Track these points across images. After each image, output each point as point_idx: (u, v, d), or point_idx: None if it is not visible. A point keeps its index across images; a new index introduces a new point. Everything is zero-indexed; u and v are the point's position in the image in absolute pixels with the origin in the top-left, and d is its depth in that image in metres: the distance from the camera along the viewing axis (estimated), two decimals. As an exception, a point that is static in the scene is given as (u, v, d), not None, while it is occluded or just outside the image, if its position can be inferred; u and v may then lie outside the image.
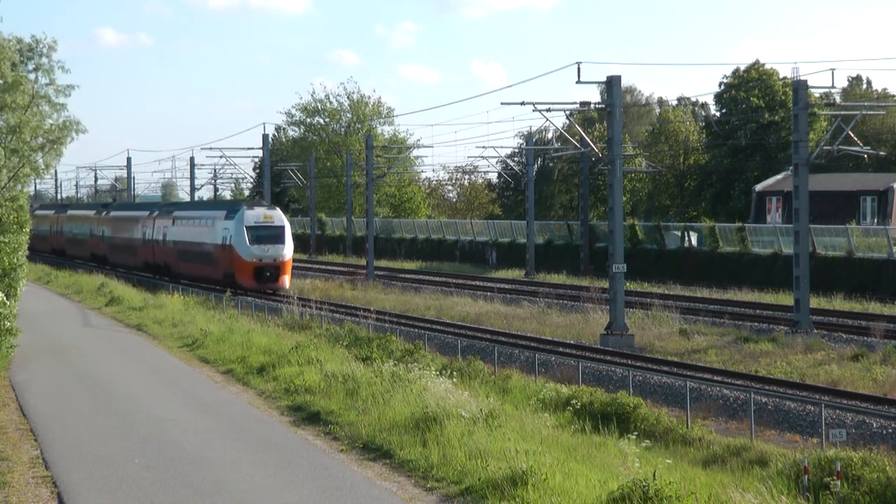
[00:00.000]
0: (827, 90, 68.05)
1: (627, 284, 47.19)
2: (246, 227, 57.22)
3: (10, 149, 31.62)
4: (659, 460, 18.94)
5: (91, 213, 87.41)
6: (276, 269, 57.39)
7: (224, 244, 58.58)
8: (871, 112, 63.53)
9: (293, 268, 61.99)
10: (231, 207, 61.13)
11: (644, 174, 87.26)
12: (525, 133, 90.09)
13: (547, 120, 46.20)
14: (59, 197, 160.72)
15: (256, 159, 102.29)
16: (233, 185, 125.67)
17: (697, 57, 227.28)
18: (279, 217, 58.96)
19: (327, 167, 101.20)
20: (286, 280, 57.89)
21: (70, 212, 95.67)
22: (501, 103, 77.86)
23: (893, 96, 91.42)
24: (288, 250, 57.87)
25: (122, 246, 76.98)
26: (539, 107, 41.55)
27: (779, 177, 73.97)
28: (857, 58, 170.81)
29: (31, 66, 32.49)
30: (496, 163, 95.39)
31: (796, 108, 41.22)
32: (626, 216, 70.57)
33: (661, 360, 34.64)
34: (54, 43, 32.43)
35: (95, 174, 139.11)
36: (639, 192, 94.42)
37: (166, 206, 76.17)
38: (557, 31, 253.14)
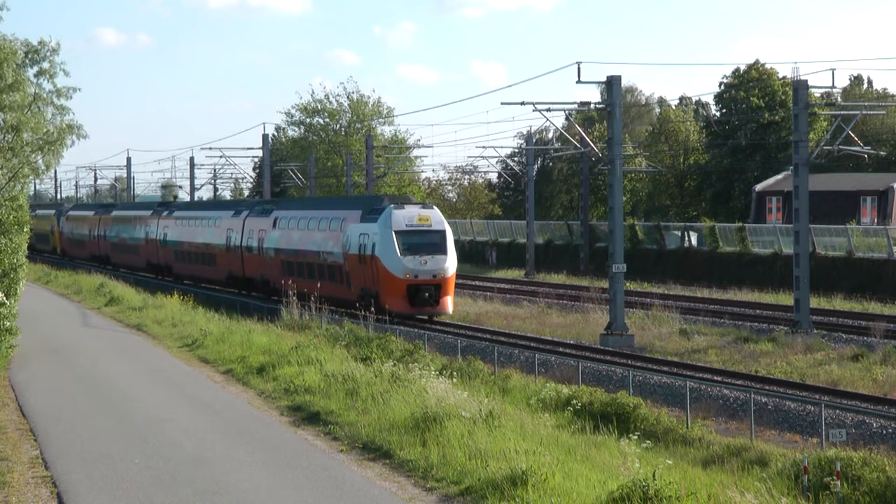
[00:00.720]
0: (827, 90, 68.07)
1: (627, 284, 47.21)
2: (395, 231, 44.03)
3: (9, 147, 31.61)
4: (659, 460, 18.93)
5: (146, 213, 73.71)
6: (437, 287, 44.08)
7: (362, 254, 45.41)
8: (871, 112, 63.55)
9: None
10: (369, 206, 47.37)
11: (644, 174, 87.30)
12: (525, 133, 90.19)
13: (547, 120, 46.32)
14: (58, 197, 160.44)
15: (256, 159, 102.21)
16: (232, 184, 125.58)
17: (697, 57, 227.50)
18: (438, 218, 45.50)
19: (327, 167, 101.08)
20: (449, 303, 44.63)
21: (115, 212, 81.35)
22: (501, 103, 77.94)
23: (893, 96, 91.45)
24: (451, 263, 44.66)
25: (193, 254, 63.93)
26: (539, 107, 41.52)
27: (779, 177, 73.98)
28: (857, 58, 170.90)
29: (35, 70, 32.48)
30: (496, 163, 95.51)
31: (796, 108, 41.22)
32: (626, 216, 70.56)
33: (661, 360, 34.63)
34: (57, 46, 32.40)
35: (95, 174, 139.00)
36: (639, 192, 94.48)
37: (261, 203, 60.39)
38: (557, 31, 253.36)
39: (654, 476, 15.89)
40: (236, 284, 58.21)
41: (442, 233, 44.79)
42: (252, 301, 51.02)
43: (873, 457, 18.62)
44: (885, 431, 24.56)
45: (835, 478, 17.43)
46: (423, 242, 44.35)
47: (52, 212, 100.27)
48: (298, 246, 51.06)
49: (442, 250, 44.38)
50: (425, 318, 44.70)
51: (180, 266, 66.25)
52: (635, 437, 20.49)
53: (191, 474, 18.94)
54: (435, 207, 47.27)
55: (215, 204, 76.60)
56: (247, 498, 17.45)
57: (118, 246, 78.27)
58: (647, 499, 15.44)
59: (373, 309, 40.74)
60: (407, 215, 44.70)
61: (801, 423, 25.97)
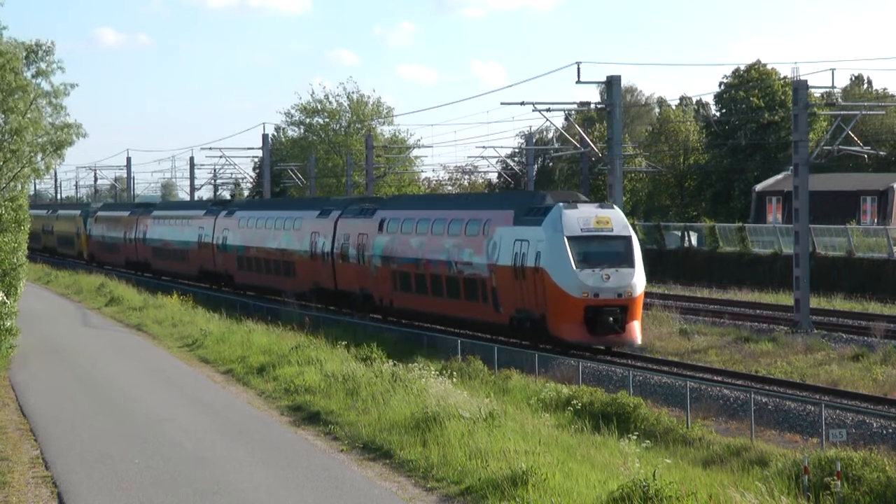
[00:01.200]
0: (827, 90, 68.07)
1: (627, 284, 47.02)
2: (568, 237, 34.60)
3: (11, 150, 31.69)
4: (659, 460, 18.93)
5: (198, 213, 64.64)
6: (624, 310, 34.62)
7: (518, 266, 35.88)
8: (871, 112, 63.49)
9: None
10: (526, 204, 37.57)
11: (644, 174, 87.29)
12: (525, 133, 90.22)
13: (547, 120, 46.31)
14: (58, 197, 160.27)
15: (256, 159, 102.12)
16: (233, 185, 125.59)
17: (697, 57, 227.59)
18: (621, 221, 36.17)
19: (327, 167, 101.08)
20: (636, 329, 35.13)
21: (157, 212, 72.32)
22: (501, 103, 77.84)
23: (893, 96, 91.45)
24: (640, 278, 35.30)
25: (264, 261, 54.50)
26: (539, 107, 41.58)
27: (779, 177, 74.00)
28: (857, 58, 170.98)
29: (33, 70, 32.58)
30: (496, 163, 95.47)
31: (796, 108, 41.22)
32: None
33: (661, 360, 34.61)
34: (52, 45, 32.54)
35: (95, 174, 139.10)
36: (639, 192, 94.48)
37: (359, 202, 50.18)
38: (557, 31, 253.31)
39: (654, 476, 15.90)
40: (324, 298, 48.49)
41: (628, 239, 35.65)
42: (252, 301, 50.91)
43: (873, 457, 18.61)
44: (885, 431, 24.55)
45: (835, 478, 17.43)
46: (605, 252, 35.21)
47: (78, 212, 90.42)
48: (419, 255, 41.55)
49: (628, 262, 35.19)
50: (602, 348, 35.77)
51: (245, 275, 56.87)
52: (635, 437, 20.50)
53: (191, 474, 18.94)
54: (616, 207, 37.66)
55: (291, 203, 65.51)
56: (247, 498, 17.45)
57: (161, 251, 68.90)
58: (647, 499, 15.44)
59: (532, 337, 34.87)
60: (581, 217, 35.32)
61: (801, 423, 25.96)
